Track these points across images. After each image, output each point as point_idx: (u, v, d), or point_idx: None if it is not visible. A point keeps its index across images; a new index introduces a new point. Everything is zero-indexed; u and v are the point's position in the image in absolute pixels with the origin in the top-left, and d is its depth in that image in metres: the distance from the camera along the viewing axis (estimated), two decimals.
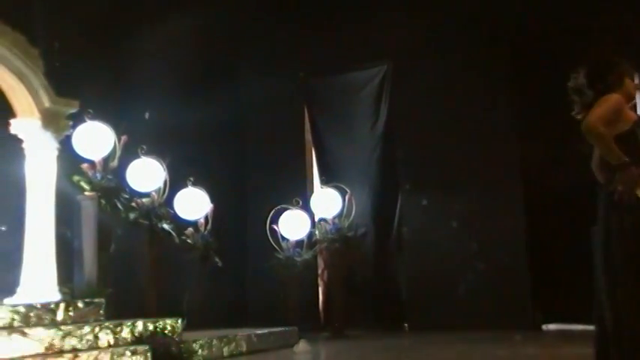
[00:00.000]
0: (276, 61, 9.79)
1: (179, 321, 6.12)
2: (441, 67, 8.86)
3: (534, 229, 8.31)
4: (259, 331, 7.08)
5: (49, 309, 5.50)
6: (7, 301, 5.65)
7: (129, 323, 5.70)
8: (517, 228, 8.44)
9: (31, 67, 6.00)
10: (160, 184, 7.40)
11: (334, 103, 9.74)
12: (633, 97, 3.85)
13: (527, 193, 8.43)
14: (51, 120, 6.10)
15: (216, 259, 7.90)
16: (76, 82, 6.93)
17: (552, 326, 8.25)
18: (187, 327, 6.41)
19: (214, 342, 6.33)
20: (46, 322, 5.37)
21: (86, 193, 6.63)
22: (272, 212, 8.67)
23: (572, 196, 7.05)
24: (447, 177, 8.83)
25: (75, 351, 5.11)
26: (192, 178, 7.97)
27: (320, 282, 9.07)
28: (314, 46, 9.55)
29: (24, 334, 4.95)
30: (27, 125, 6.06)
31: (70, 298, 5.96)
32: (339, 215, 8.70)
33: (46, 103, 6.07)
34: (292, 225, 8.63)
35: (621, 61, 3.75)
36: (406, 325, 8.90)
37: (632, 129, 3.52)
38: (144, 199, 7.23)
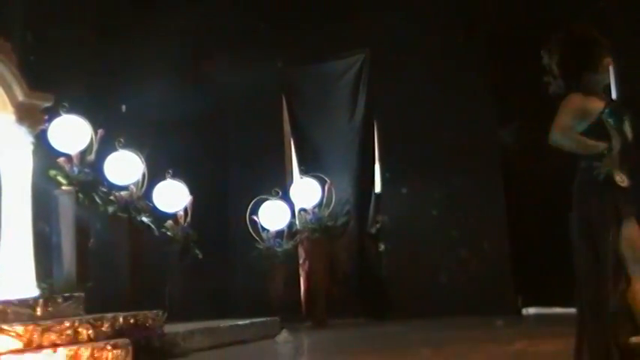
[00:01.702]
0: (254, 51, 9.73)
1: (160, 314, 6.09)
2: (419, 55, 8.86)
3: (514, 216, 8.36)
4: (241, 322, 7.07)
5: (27, 305, 5.44)
6: None
7: (109, 317, 5.66)
8: (497, 215, 8.49)
9: (4, 60, 5.90)
10: (139, 176, 7.35)
11: (312, 93, 9.72)
12: (607, 80, 3.80)
13: (507, 180, 8.47)
14: (25, 114, 6.01)
15: (197, 251, 7.88)
16: (51, 75, 6.86)
17: (532, 310, 8.33)
18: (169, 319, 6.38)
19: (196, 334, 6.31)
20: (25, 318, 5.31)
21: (63, 187, 6.58)
22: (252, 203, 8.64)
23: (551, 183, 7.08)
24: (427, 165, 8.85)
25: (54, 346, 5.07)
26: (170, 171, 7.92)
27: (301, 272, 9.07)
28: (292, 36, 9.50)
29: (2, 330, 4.89)
30: (1, 120, 5.98)
31: (48, 294, 5.90)
32: (319, 205, 8.69)
33: (20, 97, 5.98)
34: (272, 215, 8.62)
35: (599, 39, 3.64)
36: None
37: (598, 120, 3.52)
38: (122, 193, 7.18)
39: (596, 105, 3.57)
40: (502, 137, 8.50)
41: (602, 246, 3.42)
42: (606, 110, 3.56)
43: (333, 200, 8.76)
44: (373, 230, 9.37)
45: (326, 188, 8.74)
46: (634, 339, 3.32)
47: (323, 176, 8.80)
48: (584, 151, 3.48)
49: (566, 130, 3.50)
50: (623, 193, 3.46)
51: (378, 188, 9.43)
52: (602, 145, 3.43)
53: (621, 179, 3.44)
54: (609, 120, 3.55)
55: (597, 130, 3.52)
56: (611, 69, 3.70)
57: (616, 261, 3.41)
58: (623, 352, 3.33)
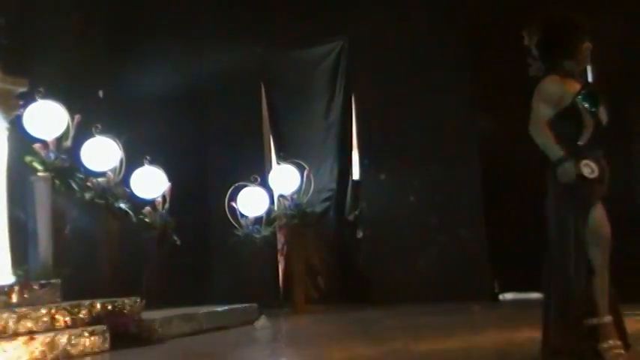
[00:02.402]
0: (232, 37, 9.67)
1: (138, 300, 6.08)
2: (397, 43, 8.85)
3: (492, 202, 8.41)
4: (220, 309, 7.07)
5: (3, 292, 5.41)
6: None
7: (87, 304, 5.65)
8: (475, 201, 8.53)
9: None
10: (116, 163, 7.30)
11: (291, 80, 9.68)
12: (585, 64, 3.80)
13: (485, 167, 8.51)
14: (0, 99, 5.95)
15: (175, 238, 7.85)
16: (26, 60, 6.77)
17: (509, 296, 8.41)
18: (147, 306, 6.37)
19: (174, 320, 6.30)
20: (0, 305, 5.28)
21: (39, 173, 6.51)
22: (230, 189, 8.62)
23: (528, 169, 7.12)
24: (406, 152, 8.86)
25: (31, 333, 5.04)
26: (148, 157, 7.88)
27: (280, 258, 9.08)
28: (271, 22, 9.45)
29: None
30: None
31: (24, 280, 5.87)
32: (298, 191, 8.69)
33: None
34: (251, 202, 8.60)
35: (579, 23, 3.66)
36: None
37: (573, 103, 3.55)
38: (99, 179, 7.13)
39: (572, 88, 3.60)
40: (480, 124, 8.53)
41: (567, 233, 3.50)
42: (581, 94, 3.58)
43: (312, 187, 8.77)
44: (352, 217, 9.40)
45: (304, 175, 8.74)
46: (591, 320, 3.43)
47: (302, 163, 8.80)
48: (547, 152, 3.56)
49: (538, 126, 3.56)
50: (593, 182, 3.49)
51: (356, 175, 9.45)
52: (559, 154, 3.50)
53: (591, 170, 3.47)
54: (584, 104, 3.57)
55: (571, 113, 3.56)
56: (589, 53, 3.69)
57: (579, 247, 3.48)
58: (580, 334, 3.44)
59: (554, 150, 3.53)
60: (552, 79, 3.60)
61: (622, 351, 3.42)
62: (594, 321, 3.44)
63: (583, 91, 3.59)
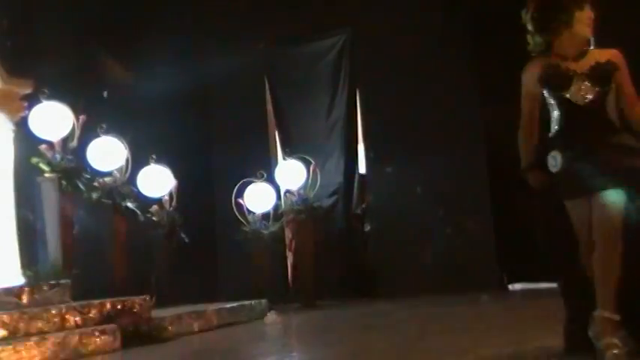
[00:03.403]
0: (235, 33, 9.67)
1: (147, 299, 6.09)
2: (401, 34, 8.83)
3: (498, 192, 8.39)
4: (229, 305, 7.08)
5: (13, 293, 5.42)
6: None
7: (96, 303, 5.65)
8: (482, 191, 8.52)
9: None
10: (122, 162, 7.32)
11: (294, 74, 9.68)
12: (587, 35, 3.34)
13: (491, 157, 8.50)
14: (4, 101, 5.96)
15: (183, 236, 7.87)
16: (30, 62, 6.78)
17: (518, 286, 8.40)
18: (157, 304, 6.38)
19: (184, 318, 6.31)
20: (11, 306, 5.30)
21: (46, 174, 6.54)
22: (237, 186, 8.63)
23: None
24: (411, 143, 8.85)
25: (42, 333, 5.06)
26: (154, 156, 7.89)
27: (288, 254, 9.09)
28: (273, 17, 9.44)
29: None
30: None
31: (34, 281, 5.88)
32: (305, 186, 8.69)
33: None
34: (258, 198, 8.61)
35: None
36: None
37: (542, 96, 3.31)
38: (106, 179, 7.15)
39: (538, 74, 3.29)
40: (485, 114, 8.51)
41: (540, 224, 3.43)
42: (538, 77, 3.28)
43: (319, 181, 8.77)
44: (359, 210, 9.40)
45: (311, 169, 8.74)
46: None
47: (307, 157, 8.80)
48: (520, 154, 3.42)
49: (520, 129, 3.41)
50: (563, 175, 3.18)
51: (362, 169, 9.44)
52: (524, 163, 3.37)
53: (554, 164, 3.18)
54: (543, 89, 3.30)
55: (543, 103, 3.31)
56: (590, 23, 3.31)
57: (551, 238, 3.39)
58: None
59: (522, 155, 3.40)
60: (527, 68, 3.35)
61: (618, 351, 3.00)
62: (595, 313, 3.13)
63: (539, 73, 3.29)
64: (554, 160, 3.18)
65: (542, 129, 3.38)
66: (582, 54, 3.29)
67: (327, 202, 9.14)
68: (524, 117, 3.40)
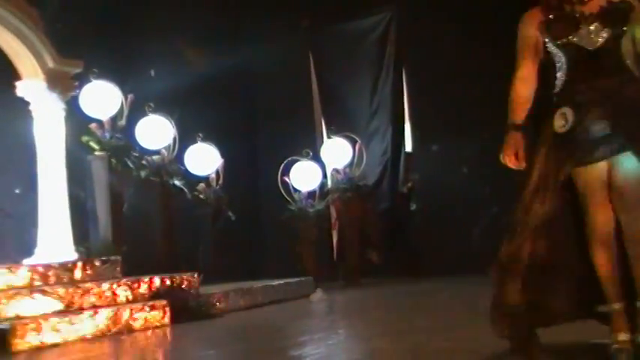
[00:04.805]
0: (279, 12, 9.65)
1: (195, 275, 6.18)
2: (446, 10, 8.71)
3: None
4: (275, 282, 7.14)
5: (66, 268, 5.57)
6: (25, 261, 5.73)
7: (146, 279, 5.77)
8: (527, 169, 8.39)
9: (32, 28, 5.97)
10: (170, 140, 7.40)
11: (339, 52, 9.62)
12: None
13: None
14: (56, 81, 6.09)
15: (229, 213, 7.94)
16: (80, 42, 6.89)
17: None
18: (204, 281, 6.47)
19: (231, 294, 6.40)
20: (65, 280, 5.44)
21: (96, 153, 6.66)
22: (283, 164, 8.66)
23: None
24: (457, 122, 8.75)
25: (95, 307, 5.19)
26: (201, 134, 7.96)
27: (333, 232, 9.11)
28: None
29: (44, 292, 5.03)
30: (32, 87, 6.06)
31: (86, 257, 6.03)
32: (350, 165, 8.68)
33: (50, 64, 6.05)
34: (303, 176, 8.62)
35: None
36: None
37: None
38: (154, 157, 7.24)
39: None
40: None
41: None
42: (539, 25, 2.95)
43: (364, 160, 8.75)
44: (404, 189, 9.35)
45: (356, 148, 8.72)
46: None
47: (353, 136, 8.78)
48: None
49: (514, 82, 3.11)
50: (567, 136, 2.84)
51: (408, 147, 9.39)
52: (512, 121, 3.04)
53: (561, 124, 2.88)
54: (544, 38, 2.94)
55: (546, 57, 2.98)
56: None
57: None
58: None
59: (510, 115, 3.06)
60: (524, 17, 3.02)
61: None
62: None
63: (540, 20, 2.95)
64: (564, 119, 2.85)
65: (541, 88, 3.06)
66: None
67: (372, 181, 9.12)
68: (520, 68, 3.07)
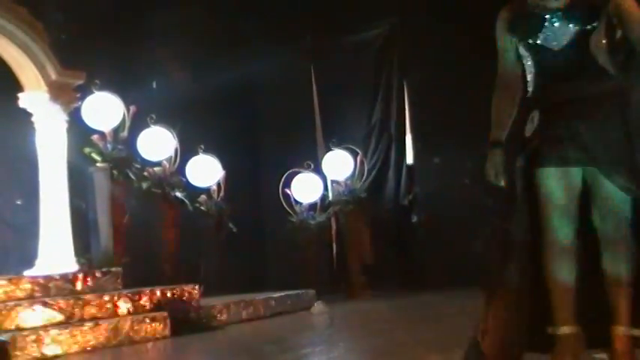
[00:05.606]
0: (281, 25, 9.68)
1: (197, 287, 6.17)
2: (447, 23, 8.73)
3: None
4: (276, 295, 7.13)
5: (67, 279, 5.56)
6: (26, 273, 5.72)
7: (147, 291, 5.76)
8: None
9: (36, 39, 6.00)
10: (171, 152, 7.41)
11: (340, 64, 9.64)
12: None
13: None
14: (58, 92, 6.11)
15: (231, 225, 7.94)
16: (82, 53, 6.91)
17: None
18: (205, 293, 6.47)
19: (232, 306, 6.38)
20: (66, 292, 5.44)
21: (98, 164, 6.66)
22: (284, 176, 8.66)
23: None
24: (459, 134, 8.75)
25: (96, 319, 5.18)
26: (202, 146, 7.96)
27: (335, 244, 9.10)
28: (318, 8, 9.42)
29: (45, 303, 5.02)
30: (35, 98, 6.08)
31: (87, 268, 6.03)
32: (351, 177, 8.69)
33: (53, 76, 6.07)
34: (305, 188, 8.63)
35: None
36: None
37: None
38: (155, 168, 7.25)
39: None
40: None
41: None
42: (508, 23, 2.74)
43: (365, 172, 8.75)
44: (406, 201, 9.35)
45: (358, 160, 8.73)
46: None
47: (354, 148, 8.79)
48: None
49: (494, 93, 2.92)
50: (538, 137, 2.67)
51: (410, 159, 9.39)
52: (494, 137, 2.87)
53: (530, 128, 2.72)
54: (512, 37, 2.76)
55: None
56: None
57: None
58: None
59: (493, 129, 2.86)
60: (499, 16, 2.81)
61: None
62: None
63: (508, 19, 2.75)
64: (532, 122, 2.69)
65: (524, 99, 2.82)
66: None
67: (373, 193, 9.11)
68: (498, 77, 2.86)
